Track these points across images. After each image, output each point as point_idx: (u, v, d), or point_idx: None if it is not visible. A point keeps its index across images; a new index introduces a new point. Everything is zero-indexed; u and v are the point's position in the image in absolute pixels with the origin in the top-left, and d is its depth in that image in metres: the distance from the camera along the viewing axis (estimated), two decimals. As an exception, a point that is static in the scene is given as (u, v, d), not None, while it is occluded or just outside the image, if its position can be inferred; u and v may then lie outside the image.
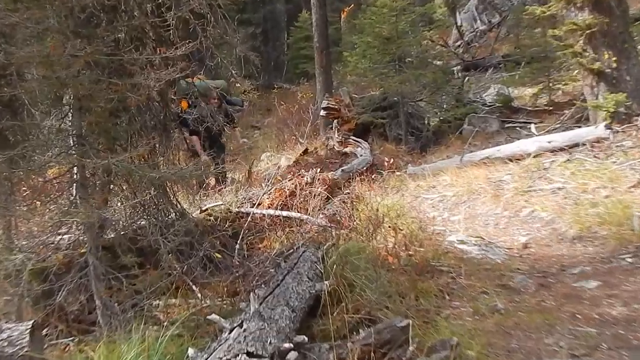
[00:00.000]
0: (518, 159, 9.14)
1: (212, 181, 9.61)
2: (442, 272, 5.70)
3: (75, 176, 4.93)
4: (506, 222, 7.37)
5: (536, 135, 10.48)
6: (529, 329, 4.43)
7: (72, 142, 4.83)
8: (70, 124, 4.92)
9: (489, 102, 14.23)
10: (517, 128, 12.16)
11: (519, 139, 10.40)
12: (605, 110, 9.07)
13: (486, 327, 4.52)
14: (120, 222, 5.41)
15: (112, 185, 5.23)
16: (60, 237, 5.20)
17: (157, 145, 5.56)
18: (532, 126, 11.51)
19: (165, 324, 4.50)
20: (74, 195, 4.88)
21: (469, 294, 5.20)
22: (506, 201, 7.80)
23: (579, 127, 9.70)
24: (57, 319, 4.82)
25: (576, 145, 8.88)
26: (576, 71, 11.62)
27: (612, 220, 6.42)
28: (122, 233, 5.25)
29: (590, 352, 3.96)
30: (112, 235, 5.27)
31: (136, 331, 4.09)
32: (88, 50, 4.27)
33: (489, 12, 24.13)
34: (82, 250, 4.94)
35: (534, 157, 9.00)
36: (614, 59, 9.14)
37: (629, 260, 5.67)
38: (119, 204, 5.42)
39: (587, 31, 9.22)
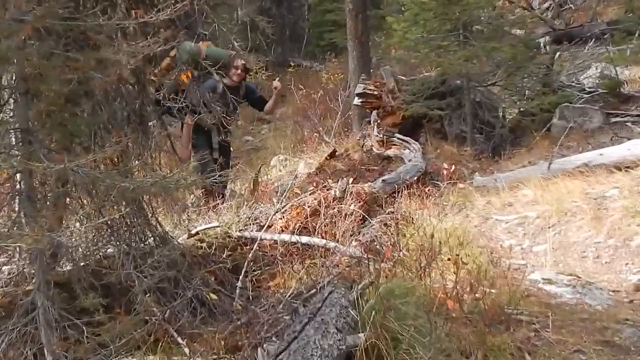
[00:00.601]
0: (629, 167, 9.10)
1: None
2: (520, 322, 5.68)
3: (19, 186, 4.96)
4: (611, 255, 7.35)
5: (655, 134, 10.47)
6: (642, 403, 4.43)
7: (14, 140, 4.87)
8: (12, 114, 4.96)
9: (589, 88, 14.20)
10: (628, 124, 12.14)
11: (630, 139, 10.37)
12: None
13: (583, 399, 4.53)
14: (80, 250, 5.46)
15: (68, 199, 5.28)
16: (-2, 269, 5.27)
17: (131, 145, 5.59)
18: (650, 121, 11.50)
19: (140, 389, 4.54)
20: (17, 211, 4.92)
21: (559, 353, 5.19)
22: (611, 225, 7.78)
23: None
24: (-6, 380, 4.88)
25: None
26: None
27: None
28: (82, 264, 5.29)
29: None
30: (69, 268, 5.31)
31: (101, 399, 4.15)
32: (38, 13, 4.29)
33: (590, -38, 24.12)
34: (28, 287, 4.99)
35: (652, 164, 8.96)
36: None
37: None
38: (77, 224, 5.45)
39: None
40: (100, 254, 5.53)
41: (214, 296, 5.89)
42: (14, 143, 4.83)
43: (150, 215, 5.91)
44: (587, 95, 13.55)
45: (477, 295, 5.87)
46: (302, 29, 30.51)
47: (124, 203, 5.38)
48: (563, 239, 7.87)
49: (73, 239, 5.42)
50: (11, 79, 4.91)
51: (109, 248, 5.57)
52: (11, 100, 4.95)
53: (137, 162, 5.66)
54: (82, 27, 4.69)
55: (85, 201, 5.29)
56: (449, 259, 6.29)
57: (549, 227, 8.19)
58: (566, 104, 12.96)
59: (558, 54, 16.44)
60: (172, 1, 4.84)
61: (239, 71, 10.28)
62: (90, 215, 5.30)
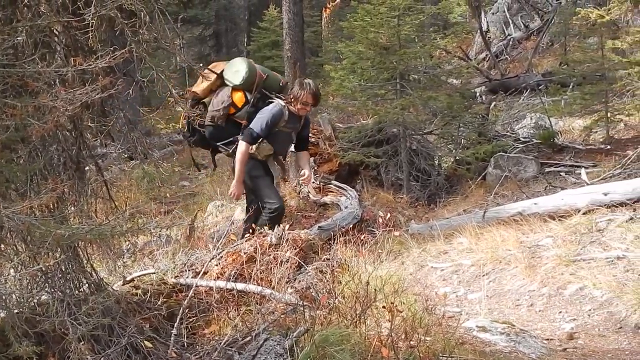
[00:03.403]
0: (562, 217, 9.22)
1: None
2: (455, 370, 5.74)
3: (-49, 232, 4.93)
4: (545, 303, 7.43)
5: (588, 185, 10.61)
6: None
7: (-52, 186, 4.84)
8: (-54, 160, 4.93)
9: (524, 138, 14.39)
10: (562, 174, 12.30)
11: (563, 189, 10.51)
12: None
13: None
14: (14, 297, 5.40)
15: (3, 246, 5.23)
16: None
17: (67, 191, 5.56)
18: (583, 171, 11.64)
19: None
20: (-50, 258, 4.88)
21: (493, 401, 5.24)
22: (545, 274, 7.86)
23: (648, 173, 9.82)
24: None
25: (643, 198, 8.99)
26: (644, 97, 11.78)
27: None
28: (15, 312, 5.24)
29: None
30: (2, 315, 5.26)
31: None
32: (-25, 59, 4.31)
33: (526, 14, 24.51)
34: (-40, 335, 4.94)
35: (585, 214, 9.08)
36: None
37: None
38: (12, 271, 5.40)
39: (660, 44, 9.37)
40: (35, 301, 5.47)
41: (148, 344, 5.83)
42: (-52, 188, 4.80)
43: (86, 261, 5.86)
44: (521, 145, 13.71)
45: (412, 342, 5.90)
46: (240, 75, 30.40)
47: (59, 250, 5.34)
48: (497, 287, 7.95)
49: (7, 286, 5.36)
50: (-54, 125, 4.87)
51: (43, 295, 5.51)
52: (-55, 146, 4.91)
53: (73, 208, 5.62)
54: (21, 73, 4.68)
55: (20, 248, 5.24)
56: (384, 307, 6.27)
57: (484, 275, 8.27)
58: (501, 153, 13.07)
59: (494, 103, 16.69)
60: (111, 49, 4.85)
61: (308, 107, 9.24)
62: (25, 262, 5.25)
